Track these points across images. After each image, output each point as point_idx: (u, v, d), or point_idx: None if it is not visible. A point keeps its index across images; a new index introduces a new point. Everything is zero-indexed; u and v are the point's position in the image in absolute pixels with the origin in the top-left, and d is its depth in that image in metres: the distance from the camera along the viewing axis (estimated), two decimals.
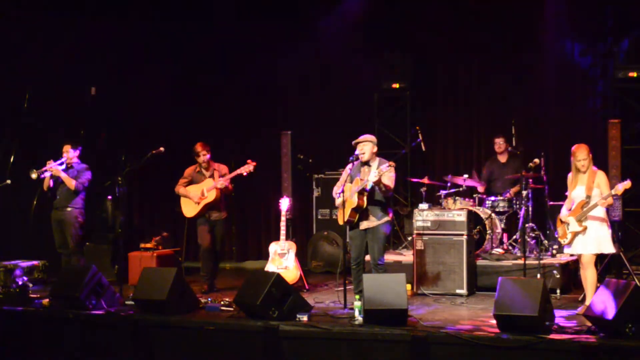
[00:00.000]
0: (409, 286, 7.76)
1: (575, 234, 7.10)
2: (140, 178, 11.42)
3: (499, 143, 9.93)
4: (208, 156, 8.83)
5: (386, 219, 7.43)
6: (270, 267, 8.69)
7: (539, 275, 8.07)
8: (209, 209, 8.78)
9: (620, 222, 9.08)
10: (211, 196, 8.71)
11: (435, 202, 9.60)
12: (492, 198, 9.52)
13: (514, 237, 9.47)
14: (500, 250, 9.19)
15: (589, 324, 6.29)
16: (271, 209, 11.30)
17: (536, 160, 8.71)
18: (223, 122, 11.54)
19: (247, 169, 8.65)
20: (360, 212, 7.35)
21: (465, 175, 9.57)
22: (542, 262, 8.30)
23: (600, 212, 7.03)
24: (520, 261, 8.04)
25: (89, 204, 9.13)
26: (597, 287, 6.64)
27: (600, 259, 7.31)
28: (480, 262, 8.74)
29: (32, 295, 8.22)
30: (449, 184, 9.57)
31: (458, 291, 8.24)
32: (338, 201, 7.50)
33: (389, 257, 8.97)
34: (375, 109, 11.16)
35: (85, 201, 9.01)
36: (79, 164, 9.02)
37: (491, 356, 6.00)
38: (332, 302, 7.89)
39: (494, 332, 6.20)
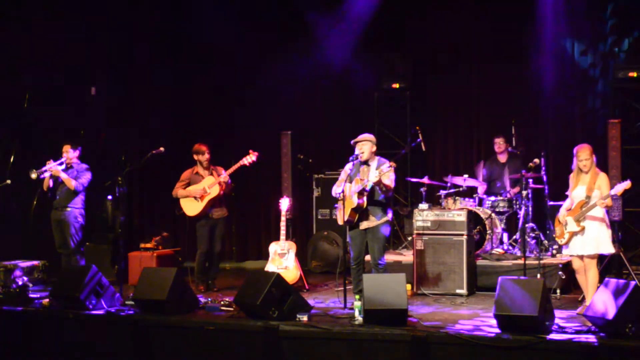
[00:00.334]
0: (409, 286, 7.76)
1: (573, 234, 7.09)
2: (140, 178, 11.43)
3: (499, 143, 9.94)
4: (209, 157, 8.84)
5: (386, 219, 7.43)
6: (270, 267, 8.70)
7: (539, 275, 8.07)
8: (211, 206, 8.76)
9: (620, 222, 9.07)
10: (214, 191, 8.69)
11: (435, 202, 9.60)
12: (492, 198, 9.52)
13: (514, 237, 9.48)
14: (500, 250, 9.19)
15: (589, 324, 6.29)
16: (271, 209, 11.30)
17: (536, 160, 8.72)
18: (223, 122, 11.54)
19: (249, 159, 8.65)
20: (360, 212, 7.35)
21: (465, 175, 9.57)
22: (542, 262, 8.30)
23: (599, 212, 7.02)
24: (520, 261, 8.04)
25: (89, 204, 9.12)
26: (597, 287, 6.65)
27: (600, 259, 7.30)
28: (480, 262, 8.75)
29: (32, 295, 8.22)
30: (449, 184, 9.58)
31: (458, 291, 8.24)
32: (338, 201, 7.49)
33: (389, 257, 8.96)
34: (375, 109, 11.16)
35: (85, 201, 9.00)
36: (79, 164, 9.02)
37: (491, 356, 6.01)
38: (332, 302, 7.89)
39: (494, 332, 6.21)
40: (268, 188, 11.46)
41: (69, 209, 8.86)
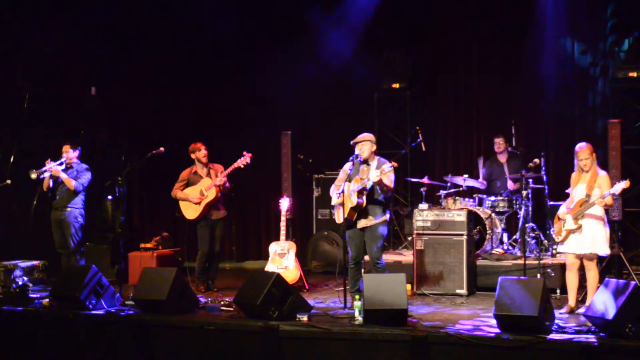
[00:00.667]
0: (409, 286, 7.76)
1: (570, 232, 7.10)
2: (140, 178, 11.42)
3: (499, 143, 9.94)
4: (206, 152, 8.84)
5: (384, 218, 7.43)
6: (270, 267, 8.70)
7: (539, 275, 8.07)
8: (210, 208, 8.77)
9: (620, 222, 9.07)
10: (211, 194, 8.70)
11: (435, 202, 9.61)
12: (492, 198, 9.53)
13: (514, 237, 9.48)
14: (500, 250, 9.19)
15: (589, 324, 6.29)
16: (271, 209, 11.31)
17: (536, 160, 8.72)
18: (223, 122, 11.54)
19: (243, 161, 8.64)
20: (359, 212, 7.35)
21: (465, 175, 9.57)
22: (542, 262, 8.30)
23: (598, 211, 7.02)
24: (520, 261, 8.04)
25: (89, 204, 9.13)
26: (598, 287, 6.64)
27: (600, 259, 7.29)
28: (480, 262, 8.75)
29: (32, 295, 8.21)
30: (449, 184, 9.58)
31: (458, 291, 8.24)
32: (337, 200, 7.47)
33: (389, 257, 8.97)
34: (375, 109, 11.16)
35: (85, 201, 9.01)
36: (78, 164, 9.02)
37: (491, 356, 6.01)
38: (332, 302, 7.89)
39: (494, 332, 6.20)
40: (268, 188, 11.47)
41: (69, 209, 8.86)
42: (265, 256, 9.18)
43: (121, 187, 8.28)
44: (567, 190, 7.42)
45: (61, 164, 8.89)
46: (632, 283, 6.02)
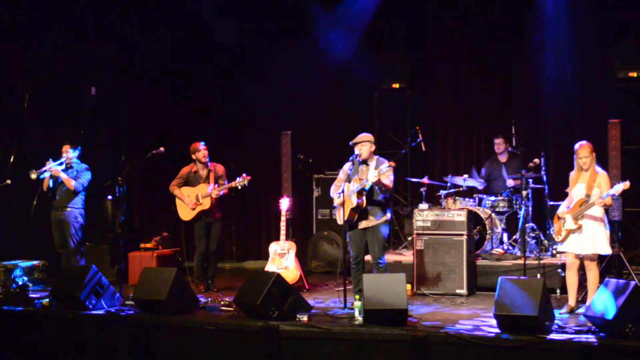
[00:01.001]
0: (409, 286, 7.76)
1: (570, 232, 7.09)
2: (140, 178, 11.42)
3: (498, 143, 9.95)
4: (207, 152, 8.84)
5: (385, 218, 7.43)
6: (270, 267, 8.70)
7: (539, 275, 8.07)
8: (203, 213, 8.80)
9: (620, 222, 9.07)
10: (206, 204, 8.73)
11: (435, 202, 9.61)
12: (492, 198, 9.52)
13: (514, 237, 9.48)
14: (500, 250, 9.19)
15: (589, 324, 6.29)
16: (271, 209, 11.30)
17: (536, 160, 8.72)
18: (223, 122, 11.54)
19: (242, 182, 8.64)
20: (359, 212, 7.35)
21: (465, 175, 9.57)
22: (542, 262, 8.30)
23: (597, 211, 7.02)
24: (520, 261, 8.04)
25: (89, 204, 9.13)
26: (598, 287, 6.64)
27: (600, 259, 7.30)
28: (480, 262, 8.75)
29: (32, 295, 8.21)
30: (449, 184, 9.58)
31: (458, 291, 8.24)
32: (338, 201, 7.48)
33: (389, 257, 8.97)
34: (375, 109, 11.16)
35: (85, 201, 9.01)
36: (78, 164, 9.02)
37: (491, 356, 6.00)
38: (332, 302, 7.89)
39: (494, 332, 6.21)
40: (268, 188, 11.47)
41: (69, 209, 8.86)
42: (265, 256, 9.18)
43: (121, 187, 8.27)
44: (566, 189, 7.42)
45: (61, 164, 8.89)
46: (632, 283, 6.03)
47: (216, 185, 8.76)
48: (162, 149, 8.59)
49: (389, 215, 7.52)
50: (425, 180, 9.63)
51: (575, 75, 10.31)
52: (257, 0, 11.14)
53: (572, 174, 7.28)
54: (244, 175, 8.65)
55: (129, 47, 11.35)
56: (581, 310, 6.95)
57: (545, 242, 9.13)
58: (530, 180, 9.07)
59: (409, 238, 9.73)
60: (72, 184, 8.81)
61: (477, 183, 9.74)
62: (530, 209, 9.16)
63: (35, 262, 9.50)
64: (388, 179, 7.28)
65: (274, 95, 11.20)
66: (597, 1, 10.07)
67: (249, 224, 11.91)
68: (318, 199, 10.81)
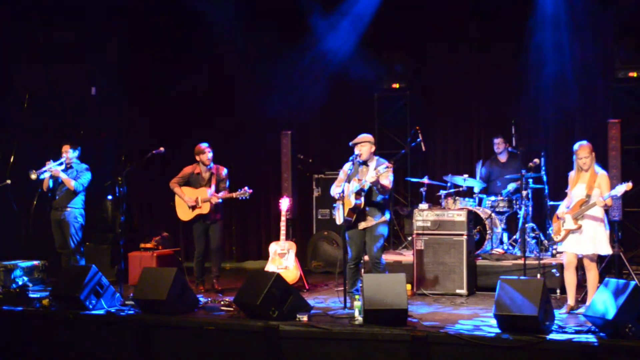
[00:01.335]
0: (409, 286, 7.76)
1: (569, 232, 7.09)
2: (140, 178, 11.42)
3: (498, 143, 9.95)
4: (211, 154, 8.84)
5: (384, 219, 7.44)
6: (270, 267, 8.70)
7: (539, 275, 8.07)
8: (202, 217, 8.80)
9: (620, 222, 9.07)
10: (205, 208, 8.73)
11: (435, 202, 9.60)
12: (492, 198, 9.52)
13: (514, 237, 9.48)
14: (500, 250, 9.19)
15: (589, 324, 6.29)
16: (271, 209, 11.30)
17: (536, 160, 8.72)
18: (223, 122, 11.53)
19: (243, 194, 8.65)
20: (358, 213, 7.35)
21: (465, 175, 9.57)
22: (542, 262, 8.30)
23: (597, 212, 7.01)
24: (520, 261, 8.04)
25: (89, 204, 9.13)
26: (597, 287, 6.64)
27: (600, 259, 7.30)
28: (480, 262, 8.75)
29: (32, 295, 8.21)
30: (449, 184, 9.57)
31: (458, 291, 8.24)
32: (339, 200, 7.47)
33: (389, 257, 8.97)
34: (375, 109, 11.16)
35: (85, 201, 9.01)
36: (78, 164, 9.02)
37: (491, 356, 6.00)
38: (332, 302, 7.89)
39: (494, 332, 6.20)
40: (268, 188, 11.46)
41: (69, 209, 8.87)
42: (265, 256, 9.18)
43: (121, 187, 8.27)
44: (565, 190, 7.42)
45: (61, 164, 8.88)
46: (632, 283, 6.02)
47: (216, 192, 8.74)
48: (162, 149, 8.58)
49: (387, 216, 7.52)
50: (425, 180, 9.62)
51: (575, 75, 10.31)
52: (258, 0, 11.13)
53: (572, 174, 7.28)
54: (246, 188, 8.66)
55: (129, 46, 11.35)
56: (581, 310, 6.96)
57: (545, 242, 9.14)
58: (530, 180, 9.07)
59: (409, 238, 9.74)
60: (72, 184, 8.81)
61: (477, 183, 9.73)
62: (530, 209, 9.16)
63: (35, 262, 9.50)
64: (387, 180, 7.28)
65: (274, 95, 11.19)
66: (597, 1, 10.08)
67: (249, 224, 11.91)
68: (318, 199, 10.81)
